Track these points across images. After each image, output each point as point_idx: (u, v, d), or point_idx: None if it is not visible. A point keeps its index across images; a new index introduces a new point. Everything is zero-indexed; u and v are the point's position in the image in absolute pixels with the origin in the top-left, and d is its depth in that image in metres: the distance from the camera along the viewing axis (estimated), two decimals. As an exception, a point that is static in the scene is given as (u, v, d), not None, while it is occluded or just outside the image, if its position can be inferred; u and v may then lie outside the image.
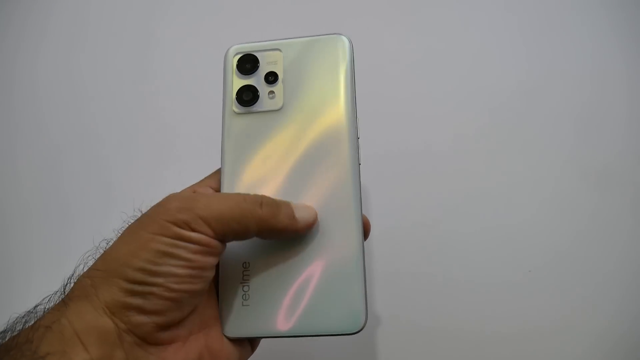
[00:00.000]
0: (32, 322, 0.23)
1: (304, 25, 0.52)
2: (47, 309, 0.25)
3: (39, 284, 0.27)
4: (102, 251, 0.26)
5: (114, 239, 0.25)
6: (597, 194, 0.44)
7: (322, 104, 0.30)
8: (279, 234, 0.27)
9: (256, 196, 0.26)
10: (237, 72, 0.31)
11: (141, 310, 0.24)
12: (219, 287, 0.28)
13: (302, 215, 0.27)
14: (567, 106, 0.47)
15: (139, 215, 0.26)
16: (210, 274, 0.26)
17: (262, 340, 0.29)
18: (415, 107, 0.48)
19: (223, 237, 0.25)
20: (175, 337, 0.25)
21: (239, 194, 0.26)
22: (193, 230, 0.24)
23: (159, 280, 0.23)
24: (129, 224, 0.26)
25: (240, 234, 0.26)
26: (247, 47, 0.31)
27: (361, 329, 0.27)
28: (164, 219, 0.24)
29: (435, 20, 0.52)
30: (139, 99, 0.51)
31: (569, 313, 0.41)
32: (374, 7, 0.52)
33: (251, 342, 0.29)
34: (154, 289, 0.23)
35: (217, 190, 0.30)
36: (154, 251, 0.24)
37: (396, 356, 0.41)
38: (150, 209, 0.25)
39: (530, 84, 0.48)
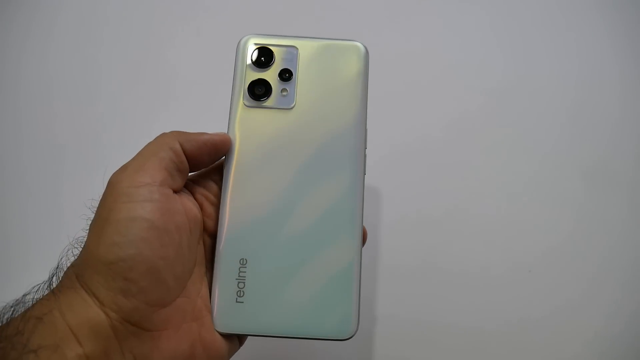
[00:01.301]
0: (21, 312, 0.23)
1: (299, 18, 0.52)
2: (36, 299, 0.24)
3: (31, 274, 0.26)
4: (78, 246, 0.26)
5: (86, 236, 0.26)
6: (594, 192, 0.45)
7: (335, 110, 0.30)
8: (200, 149, 0.28)
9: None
10: (251, 64, 0.30)
11: (127, 293, 0.23)
12: (213, 280, 0.28)
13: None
14: (565, 105, 0.48)
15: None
16: (178, 236, 0.26)
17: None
18: (411, 107, 0.48)
19: (165, 178, 0.26)
20: (168, 322, 0.25)
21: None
22: (139, 186, 0.25)
23: (132, 250, 0.23)
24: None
25: (176, 161, 0.27)
26: (263, 40, 0.31)
27: (351, 336, 0.27)
28: (113, 190, 0.25)
29: (434, 20, 0.52)
30: (146, 96, 0.50)
31: (567, 311, 0.42)
32: (369, 9, 0.52)
33: (239, 337, 0.29)
34: (132, 263, 0.23)
35: None
36: (117, 221, 0.24)
37: (395, 352, 0.42)
38: (102, 195, 0.26)
39: (529, 83, 0.49)
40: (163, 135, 0.28)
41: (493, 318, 0.42)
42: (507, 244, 0.44)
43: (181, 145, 0.27)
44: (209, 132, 0.29)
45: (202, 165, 0.29)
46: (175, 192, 0.27)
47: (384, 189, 0.46)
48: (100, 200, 0.25)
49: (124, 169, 0.26)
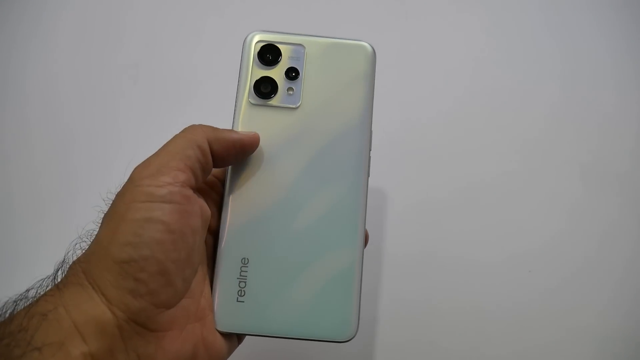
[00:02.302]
0: (25, 308, 0.23)
1: (297, 12, 0.51)
2: (39, 294, 0.24)
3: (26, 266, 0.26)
4: (87, 239, 0.25)
5: (97, 229, 0.25)
6: (594, 192, 0.45)
7: (340, 110, 0.30)
8: (228, 149, 0.27)
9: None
10: (257, 61, 0.30)
11: (136, 293, 0.23)
12: (215, 279, 0.28)
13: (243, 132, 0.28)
14: (570, 108, 0.48)
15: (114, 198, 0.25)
16: (192, 240, 0.25)
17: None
18: (416, 108, 0.48)
19: (188, 179, 0.25)
20: (173, 322, 0.25)
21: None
22: (160, 186, 0.24)
23: (146, 252, 0.23)
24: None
25: (202, 161, 0.26)
26: (270, 37, 0.30)
27: (351, 338, 0.27)
28: (133, 187, 0.24)
29: (435, 21, 0.51)
30: (150, 94, 0.50)
31: (567, 311, 0.43)
32: (368, 12, 0.52)
33: (238, 336, 0.29)
34: (144, 264, 0.23)
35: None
36: (133, 221, 0.23)
37: (395, 353, 0.42)
38: (121, 188, 0.25)
39: (533, 84, 0.49)
40: (193, 128, 0.27)
41: (493, 318, 0.42)
42: (507, 244, 0.44)
43: (209, 144, 0.26)
44: (239, 131, 0.28)
45: (226, 165, 0.28)
46: (194, 190, 0.26)
47: (386, 189, 0.46)
48: (119, 194, 0.25)
49: (147, 164, 0.25)
